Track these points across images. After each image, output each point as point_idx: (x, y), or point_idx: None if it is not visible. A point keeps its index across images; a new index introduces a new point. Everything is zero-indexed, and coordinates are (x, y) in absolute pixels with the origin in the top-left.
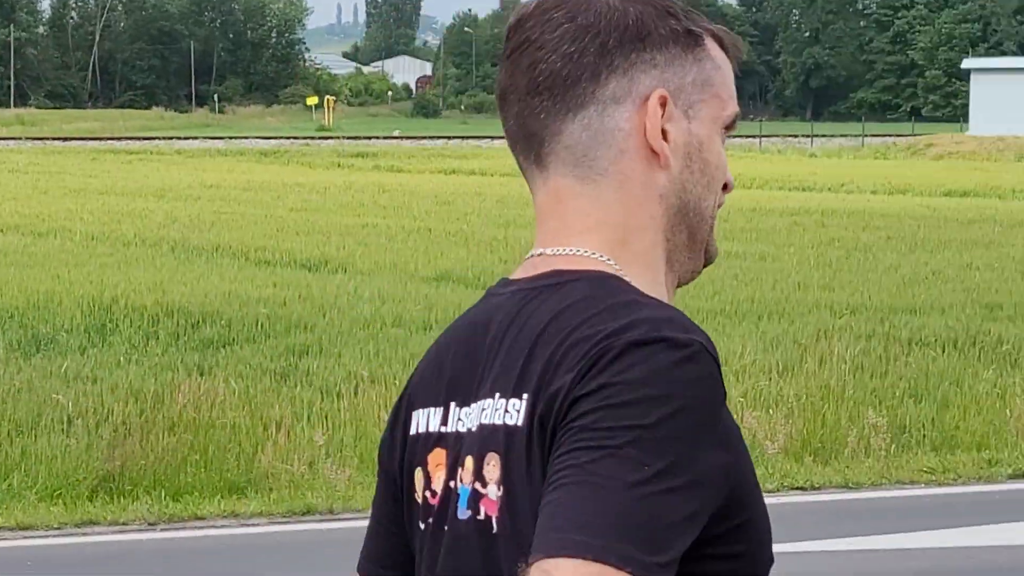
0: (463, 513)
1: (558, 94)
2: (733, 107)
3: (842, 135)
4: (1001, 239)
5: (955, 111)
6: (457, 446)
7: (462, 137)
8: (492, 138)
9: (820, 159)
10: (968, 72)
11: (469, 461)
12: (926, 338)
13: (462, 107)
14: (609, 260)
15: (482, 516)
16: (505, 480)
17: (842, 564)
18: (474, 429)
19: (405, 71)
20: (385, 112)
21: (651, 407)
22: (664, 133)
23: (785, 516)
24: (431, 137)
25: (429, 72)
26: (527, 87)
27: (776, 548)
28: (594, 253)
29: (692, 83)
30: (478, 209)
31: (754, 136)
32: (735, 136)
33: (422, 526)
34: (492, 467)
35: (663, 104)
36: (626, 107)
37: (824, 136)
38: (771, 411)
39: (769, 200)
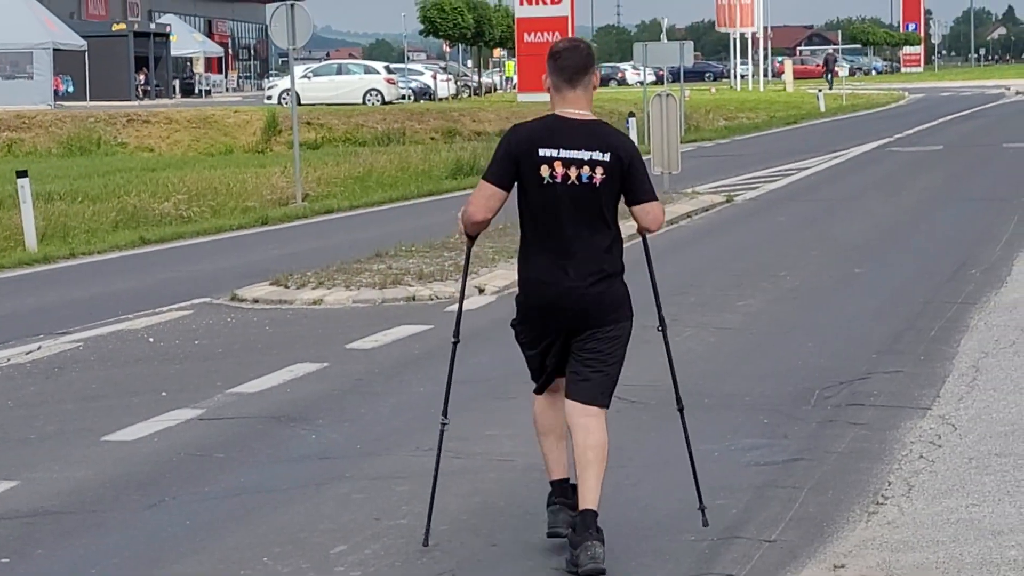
0: (585, 179)
1: (589, 69)
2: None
3: None
4: None
5: None
6: (568, 161)
7: None
8: None
9: None
10: None
11: (586, 167)
12: None
13: None
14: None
15: (593, 182)
16: (603, 174)
17: None
18: (586, 158)
19: None
20: None
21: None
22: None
23: None
24: None
25: None
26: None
27: None
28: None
29: None
30: None
31: None
32: None
33: (547, 181)
34: (599, 170)
35: None
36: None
37: None
38: None
39: None
